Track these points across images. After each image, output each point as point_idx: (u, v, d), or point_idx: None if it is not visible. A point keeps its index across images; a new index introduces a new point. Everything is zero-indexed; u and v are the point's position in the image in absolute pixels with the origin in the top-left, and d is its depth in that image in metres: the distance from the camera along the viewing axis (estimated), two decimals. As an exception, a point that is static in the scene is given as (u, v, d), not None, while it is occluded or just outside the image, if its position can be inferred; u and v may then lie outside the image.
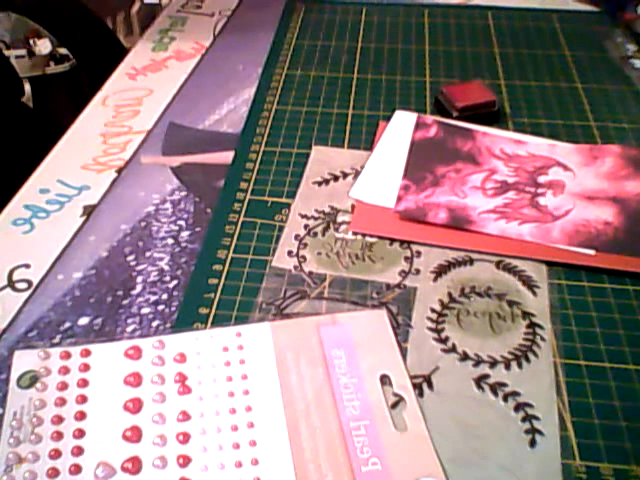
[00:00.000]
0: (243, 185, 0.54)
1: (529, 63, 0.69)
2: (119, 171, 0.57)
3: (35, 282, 0.47)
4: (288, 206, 0.52)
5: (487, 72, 0.68)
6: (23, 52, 0.67)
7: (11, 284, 0.47)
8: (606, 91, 0.65)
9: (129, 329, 0.44)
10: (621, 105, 0.63)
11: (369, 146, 0.58)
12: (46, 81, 0.71)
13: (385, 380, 0.40)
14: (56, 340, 0.43)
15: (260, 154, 0.58)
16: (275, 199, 0.53)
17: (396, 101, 0.64)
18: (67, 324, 0.44)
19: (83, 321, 0.44)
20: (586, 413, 0.39)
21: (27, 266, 0.48)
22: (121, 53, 0.73)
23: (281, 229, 0.50)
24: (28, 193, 0.54)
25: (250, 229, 0.50)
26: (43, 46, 0.69)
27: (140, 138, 0.60)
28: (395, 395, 0.39)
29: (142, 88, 0.67)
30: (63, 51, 0.73)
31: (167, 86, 0.67)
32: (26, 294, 0.46)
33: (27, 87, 0.67)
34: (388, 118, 0.61)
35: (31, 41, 0.70)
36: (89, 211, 0.52)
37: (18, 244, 0.50)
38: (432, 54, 0.71)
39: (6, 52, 0.66)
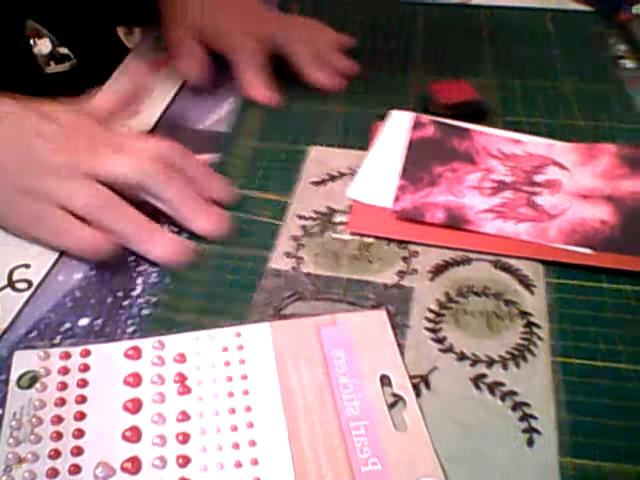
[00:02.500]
0: (240, 183, 0.54)
1: (520, 62, 0.68)
2: (119, 171, 0.56)
3: (35, 282, 0.46)
4: (285, 206, 0.52)
5: (478, 71, 0.67)
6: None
7: (11, 284, 0.46)
8: (594, 91, 0.64)
9: (129, 330, 0.43)
10: (608, 105, 0.62)
11: (366, 146, 0.57)
12: (46, 81, 0.70)
13: (385, 380, 0.40)
14: (56, 341, 0.43)
15: (256, 153, 0.57)
16: (272, 197, 0.53)
17: (391, 100, 0.63)
18: (67, 325, 0.44)
19: (83, 322, 0.44)
20: (583, 412, 0.38)
21: (27, 266, 0.47)
22: (121, 53, 0.72)
23: (278, 229, 0.50)
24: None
25: (248, 229, 0.50)
26: (43, 46, 0.68)
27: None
28: (394, 395, 0.39)
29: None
30: (63, 51, 0.72)
31: (167, 86, 0.66)
32: (26, 294, 0.46)
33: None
34: (384, 118, 0.60)
35: (31, 41, 0.69)
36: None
37: (18, 244, 0.49)
38: (426, 53, 0.70)
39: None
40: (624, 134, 0.58)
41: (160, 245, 0.47)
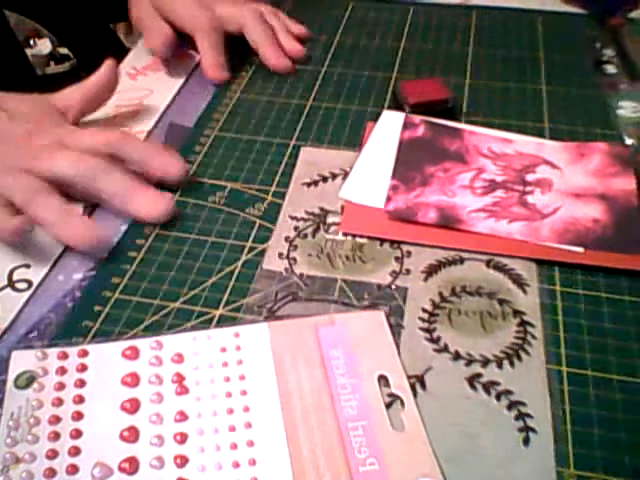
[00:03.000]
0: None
1: (500, 64, 0.66)
2: (119, 171, 0.54)
3: (35, 282, 0.45)
4: (278, 207, 0.50)
5: (455, 70, 0.66)
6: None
7: (11, 284, 0.45)
8: (570, 95, 0.62)
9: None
10: (581, 109, 0.60)
11: (357, 147, 0.56)
12: (46, 81, 0.68)
13: (383, 380, 0.38)
14: (56, 341, 0.41)
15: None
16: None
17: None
18: (67, 325, 0.42)
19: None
20: (578, 408, 0.37)
21: (27, 266, 0.46)
22: (121, 53, 0.70)
23: (271, 230, 0.48)
24: (28, 193, 0.52)
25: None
26: (43, 46, 0.66)
27: (140, 138, 0.58)
28: (391, 395, 0.37)
29: (142, 88, 0.65)
30: (63, 51, 0.70)
31: (167, 86, 0.65)
32: (26, 294, 0.44)
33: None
34: (376, 117, 0.58)
35: (31, 41, 0.67)
36: (89, 211, 0.50)
37: (18, 244, 0.47)
38: (419, 52, 0.69)
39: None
40: (598, 140, 0.56)
41: (73, 229, 0.46)
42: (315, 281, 0.45)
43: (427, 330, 0.41)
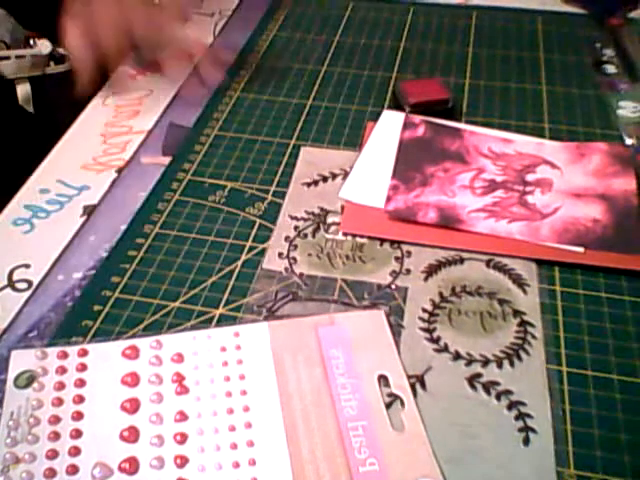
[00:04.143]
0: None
1: (500, 64, 0.66)
2: (119, 171, 0.54)
3: (35, 282, 0.45)
4: (278, 206, 0.50)
5: (455, 70, 0.65)
6: (23, 52, 0.64)
7: (11, 284, 0.45)
8: (569, 95, 0.62)
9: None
10: (580, 109, 0.60)
11: (357, 147, 0.56)
12: (46, 81, 0.68)
13: (383, 380, 0.38)
14: (55, 340, 0.41)
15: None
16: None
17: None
18: (67, 324, 0.42)
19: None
20: (578, 406, 0.37)
21: (27, 266, 0.46)
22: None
23: (271, 230, 0.48)
24: (28, 193, 0.52)
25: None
26: (43, 46, 0.66)
27: (140, 138, 0.58)
28: (391, 396, 0.37)
29: (142, 88, 0.65)
30: (63, 51, 0.70)
31: (167, 86, 0.65)
32: (26, 294, 0.44)
33: (27, 87, 0.64)
34: (376, 117, 0.58)
35: (31, 41, 0.67)
36: (89, 211, 0.50)
37: (18, 244, 0.48)
38: (419, 52, 0.68)
39: (6, 52, 0.63)
40: (598, 140, 0.56)
41: None
42: (315, 281, 0.45)
43: (427, 330, 0.41)
